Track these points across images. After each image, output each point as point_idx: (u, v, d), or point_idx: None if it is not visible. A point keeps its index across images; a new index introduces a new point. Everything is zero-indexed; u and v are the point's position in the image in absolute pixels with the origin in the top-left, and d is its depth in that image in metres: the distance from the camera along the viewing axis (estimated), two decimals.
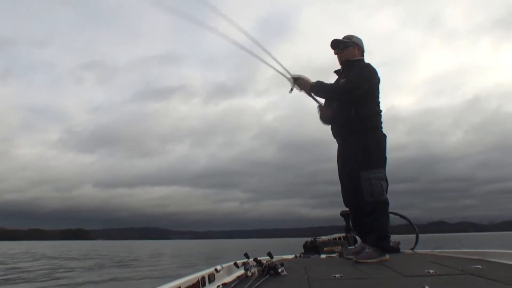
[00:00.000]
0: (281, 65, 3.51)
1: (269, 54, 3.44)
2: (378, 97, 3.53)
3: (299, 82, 3.53)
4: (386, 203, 3.35)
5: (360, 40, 3.72)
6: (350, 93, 3.40)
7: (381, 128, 3.53)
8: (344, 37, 3.72)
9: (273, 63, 3.47)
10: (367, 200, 3.32)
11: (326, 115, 3.68)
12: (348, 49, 3.67)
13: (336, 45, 3.71)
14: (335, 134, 3.71)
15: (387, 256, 3.22)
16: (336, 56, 3.75)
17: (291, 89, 3.57)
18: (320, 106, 3.70)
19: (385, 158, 3.45)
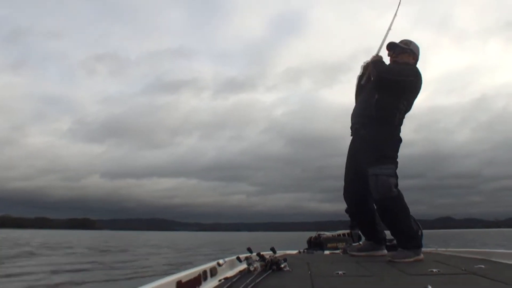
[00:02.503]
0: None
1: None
2: (408, 99, 3.42)
3: (372, 57, 3.52)
4: (398, 198, 3.19)
5: (417, 48, 3.62)
6: (388, 75, 3.36)
7: (398, 127, 3.43)
8: (402, 42, 3.61)
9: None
10: (375, 197, 3.23)
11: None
12: (403, 54, 3.56)
13: (392, 47, 3.59)
14: (352, 121, 3.61)
15: (422, 255, 3.10)
16: (389, 58, 3.62)
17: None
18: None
19: (396, 155, 3.34)
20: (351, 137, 3.67)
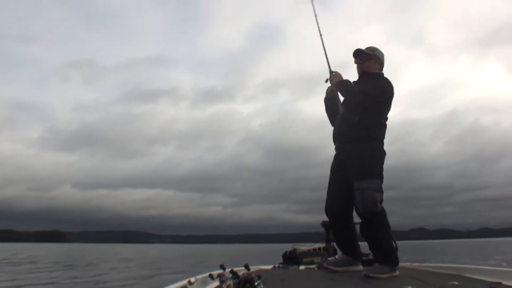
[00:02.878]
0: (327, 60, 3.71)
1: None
2: (386, 112, 3.48)
3: (334, 74, 3.58)
4: (381, 214, 3.23)
5: (382, 55, 3.68)
6: (363, 102, 3.38)
7: (382, 141, 3.45)
8: (367, 49, 3.66)
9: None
10: (360, 211, 3.24)
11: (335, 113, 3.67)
12: (369, 61, 3.62)
13: (358, 54, 3.65)
14: (334, 138, 3.65)
15: (397, 272, 3.12)
16: (356, 65, 3.69)
17: (327, 80, 3.67)
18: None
19: (382, 169, 3.36)
20: (335, 151, 3.65)
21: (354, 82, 3.62)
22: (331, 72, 3.62)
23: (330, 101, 3.76)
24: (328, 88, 3.76)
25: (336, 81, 3.54)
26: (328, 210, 3.58)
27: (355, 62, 3.69)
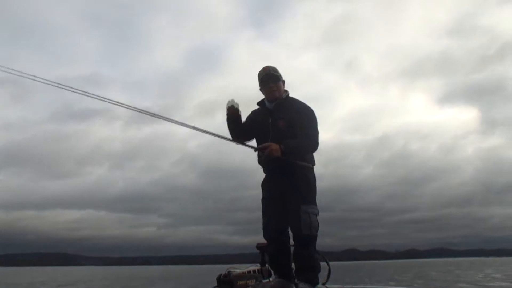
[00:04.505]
0: (244, 143, 3.56)
1: (243, 144, 3.57)
2: None
3: (266, 152, 3.30)
4: (316, 238, 3.41)
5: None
6: (315, 149, 3.47)
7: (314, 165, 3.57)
8: (270, 69, 3.57)
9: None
10: (304, 233, 3.31)
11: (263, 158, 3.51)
12: (279, 83, 3.58)
13: (274, 79, 3.55)
14: (272, 167, 3.54)
15: None
16: (260, 89, 3.66)
17: (259, 154, 3.52)
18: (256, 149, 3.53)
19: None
20: (267, 176, 3.67)
21: (273, 113, 3.54)
22: (260, 149, 3.44)
23: (233, 122, 3.64)
24: (229, 107, 3.61)
25: (278, 153, 3.29)
26: (266, 232, 3.59)
27: (265, 86, 3.59)
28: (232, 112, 3.62)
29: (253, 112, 3.79)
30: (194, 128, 3.45)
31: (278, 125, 3.49)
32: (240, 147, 3.61)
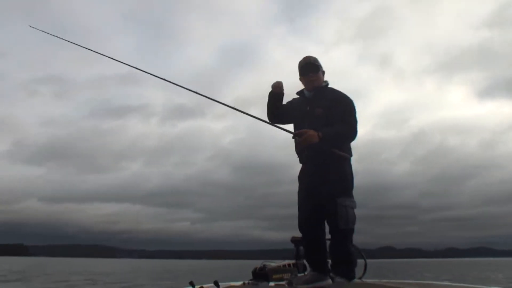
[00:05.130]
0: (282, 128, 3.52)
1: (277, 126, 3.54)
2: None
3: (304, 137, 3.27)
4: (353, 232, 3.35)
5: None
6: (353, 137, 3.40)
7: (352, 156, 3.50)
8: (310, 59, 3.57)
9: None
10: (341, 227, 3.26)
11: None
12: (318, 74, 3.56)
13: (312, 69, 3.53)
14: (306, 160, 3.51)
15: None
16: (300, 79, 3.63)
17: (295, 139, 3.44)
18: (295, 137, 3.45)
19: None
20: (303, 166, 3.61)
21: (310, 102, 3.52)
22: (297, 134, 3.36)
23: (275, 99, 3.62)
24: (275, 85, 3.59)
25: (316, 139, 3.24)
26: (302, 225, 3.56)
27: (304, 76, 3.57)
28: (276, 86, 3.59)
29: (292, 101, 3.74)
30: (233, 108, 3.57)
31: (316, 113, 3.43)
32: (271, 141, 3.64)
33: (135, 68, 3.79)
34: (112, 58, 3.81)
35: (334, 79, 3.68)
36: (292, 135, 3.44)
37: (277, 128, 3.56)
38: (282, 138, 3.55)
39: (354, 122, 3.41)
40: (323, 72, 3.61)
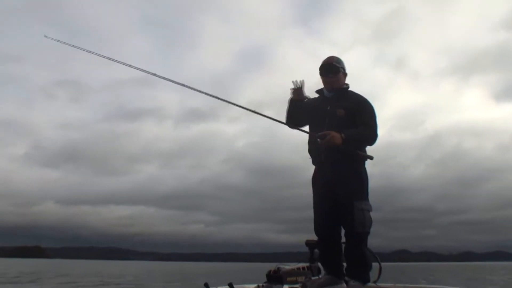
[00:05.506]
0: (304, 130, 3.56)
1: (298, 129, 3.56)
2: None
3: (327, 139, 3.25)
4: (368, 235, 3.36)
5: (344, 64, 3.63)
6: (374, 140, 3.43)
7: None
8: (332, 59, 3.59)
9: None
10: (357, 230, 3.27)
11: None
12: (339, 75, 3.56)
13: (331, 70, 3.54)
14: (323, 160, 3.48)
15: None
16: (320, 78, 3.62)
17: (318, 140, 3.39)
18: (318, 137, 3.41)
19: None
20: (316, 167, 3.61)
21: (332, 102, 3.50)
22: (320, 137, 3.33)
23: (295, 106, 3.63)
24: (295, 91, 3.60)
25: (339, 140, 3.24)
26: (318, 229, 3.56)
27: (324, 76, 3.57)
28: (298, 96, 3.61)
29: (310, 100, 3.72)
30: (251, 110, 3.58)
31: (337, 113, 3.42)
32: (286, 144, 3.65)
33: (152, 74, 3.80)
34: (127, 64, 3.81)
35: (349, 81, 3.69)
36: (314, 136, 3.44)
37: (291, 131, 3.58)
38: (296, 140, 3.56)
39: (375, 126, 3.44)
40: (345, 74, 3.62)
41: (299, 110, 3.63)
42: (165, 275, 26.77)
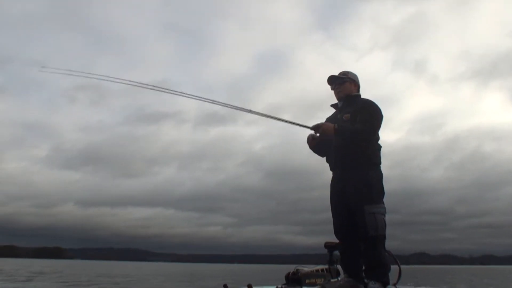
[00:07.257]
0: (298, 123, 3.64)
1: (285, 120, 3.69)
2: (379, 134, 3.59)
3: (322, 129, 3.50)
4: (385, 238, 3.38)
5: (356, 76, 3.79)
6: (371, 135, 3.50)
7: (380, 163, 3.55)
8: (340, 73, 3.77)
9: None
10: (371, 234, 3.32)
11: (319, 146, 3.69)
12: (344, 85, 3.71)
13: (333, 81, 3.75)
14: (334, 166, 3.70)
15: None
16: (332, 91, 3.79)
17: (312, 136, 3.59)
18: (313, 136, 3.62)
19: (384, 193, 3.49)
20: (333, 173, 3.72)
21: (341, 110, 3.67)
22: (314, 128, 3.55)
23: (319, 146, 3.72)
24: (309, 137, 3.68)
25: (332, 131, 3.45)
26: (339, 232, 3.64)
27: (332, 89, 3.78)
28: (314, 143, 3.70)
29: (329, 117, 3.87)
30: (268, 116, 3.70)
31: (343, 118, 3.58)
32: (303, 148, 3.73)
33: (179, 93, 3.82)
34: (146, 87, 3.81)
35: (368, 85, 3.68)
36: (308, 128, 3.58)
37: (308, 134, 3.66)
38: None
39: (373, 121, 3.49)
40: (355, 83, 3.76)
41: (320, 147, 3.75)
42: (182, 276, 26.95)
